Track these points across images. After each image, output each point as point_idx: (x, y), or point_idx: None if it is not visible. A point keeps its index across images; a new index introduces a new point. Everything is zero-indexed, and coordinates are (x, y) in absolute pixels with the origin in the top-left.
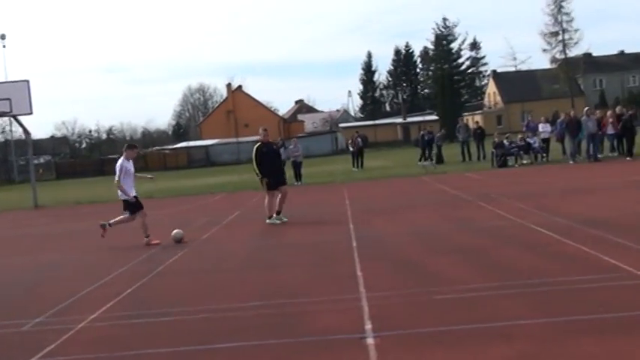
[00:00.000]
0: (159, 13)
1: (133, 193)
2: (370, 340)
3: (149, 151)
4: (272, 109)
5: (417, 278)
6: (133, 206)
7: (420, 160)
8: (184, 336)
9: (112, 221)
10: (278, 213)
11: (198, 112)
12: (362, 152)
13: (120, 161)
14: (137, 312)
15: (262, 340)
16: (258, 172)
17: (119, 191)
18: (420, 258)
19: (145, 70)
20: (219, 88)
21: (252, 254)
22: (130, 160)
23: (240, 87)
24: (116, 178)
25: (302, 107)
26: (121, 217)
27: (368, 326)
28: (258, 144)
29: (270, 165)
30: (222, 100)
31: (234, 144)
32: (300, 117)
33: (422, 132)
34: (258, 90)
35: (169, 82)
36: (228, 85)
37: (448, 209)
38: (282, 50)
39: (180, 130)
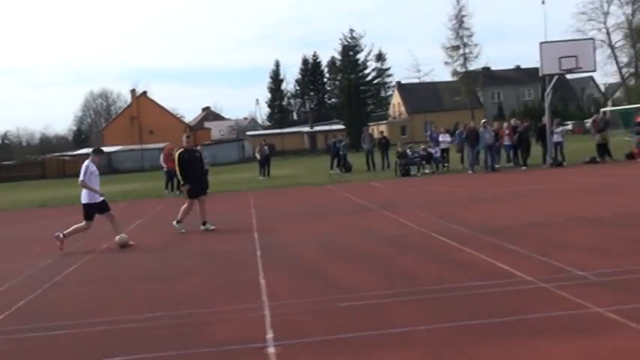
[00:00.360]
0: (60, 14)
1: (100, 199)
2: (271, 349)
3: (47, 157)
4: (178, 116)
5: (320, 286)
6: (93, 212)
7: (332, 168)
8: (81, 350)
9: (65, 232)
10: (204, 223)
11: (100, 118)
12: (269, 160)
13: (86, 162)
14: (30, 325)
15: (162, 352)
16: (181, 178)
17: (82, 193)
18: (323, 266)
19: (44, 73)
20: (122, 94)
21: (153, 264)
22: (95, 165)
23: (144, 93)
24: (80, 177)
25: (209, 114)
26: (75, 226)
27: (269, 335)
28: (180, 150)
29: (192, 172)
30: (126, 106)
31: (138, 151)
32: (207, 124)
33: (333, 139)
34: (164, 96)
35: (70, 86)
36: (133, 91)
37: (352, 217)
38: (190, 57)
39: (81, 136)
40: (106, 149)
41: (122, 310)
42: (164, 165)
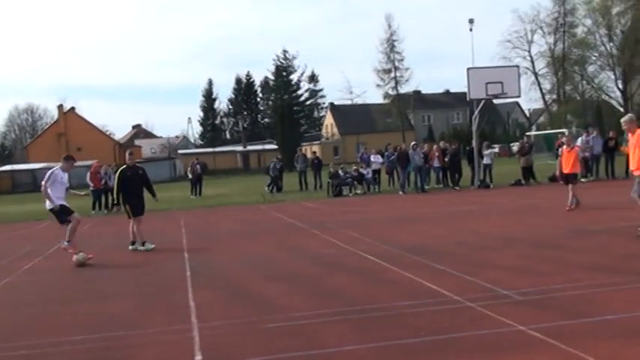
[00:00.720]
0: None
1: (59, 202)
2: None
3: None
4: (107, 132)
5: (250, 306)
6: (62, 214)
7: (269, 187)
8: None
9: (66, 238)
10: (133, 243)
11: (25, 134)
12: (201, 179)
13: (54, 168)
14: None
15: None
16: (116, 198)
17: (47, 200)
18: (253, 286)
19: None
20: (49, 109)
21: (79, 285)
22: (65, 172)
23: (72, 109)
24: (42, 182)
25: (139, 132)
26: (68, 228)
27: (198, 357)
28: (123, 167)
29: (133, 190)
30: (52, 122)
31: None
32: (137, 142)
33: (273, 160)
34: (93, 113)
35: None
36: (60, 107)
37: (283, 237)
38: (121, 73)
39: (4, 152)
40: (31, 166)
41: (46, 332)
42: (91, 184)
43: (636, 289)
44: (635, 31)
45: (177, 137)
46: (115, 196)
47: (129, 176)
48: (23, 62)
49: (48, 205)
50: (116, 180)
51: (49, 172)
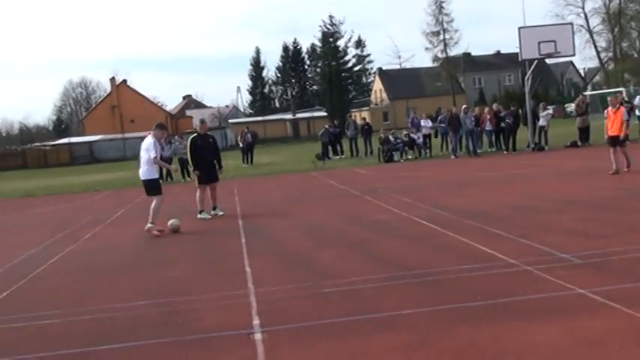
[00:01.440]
0: (38, 3)
1: (155, 175)
2: (258, 336)
3: (28, 147)
4: (159, 104)
5: (305, 272)
6: (157, 187)
7: (326, 155)
8: (69, 338)
9: (150, 219)
10: (214, 208)
11: (80, 107)
12: (252, 148)
13: (150, 139)
14: (17, 315)
15: (150, 340)
16: (191, 163)
17: (145, 171)
18: (307, 252)
19: (23, 62)
20: (102, 83)
21: (138, 252)
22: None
23: (124, 81)
24: (152, 154)
25: (190, 103)
26: (152, 206)
27: (256, 322)
28: (194, 135)
29: (204, 158)
30: (105, 95)
31: (119, 140)
32: (188, 112)
33: (327, 126)
34: (145, 85)
35: (49, 75)
36: (112, 80)
37: (336, 204)
38: (170, 45)
39: (61, 126)
40: (87, 139)
41: (108, 299)
42: None
43: None
44: None
45: (227, 107)
46: (190, 162)
47: (200, 144)
48: (75, 37)
49: (147, 174)
50: (188, 147)
51: (148, 142)
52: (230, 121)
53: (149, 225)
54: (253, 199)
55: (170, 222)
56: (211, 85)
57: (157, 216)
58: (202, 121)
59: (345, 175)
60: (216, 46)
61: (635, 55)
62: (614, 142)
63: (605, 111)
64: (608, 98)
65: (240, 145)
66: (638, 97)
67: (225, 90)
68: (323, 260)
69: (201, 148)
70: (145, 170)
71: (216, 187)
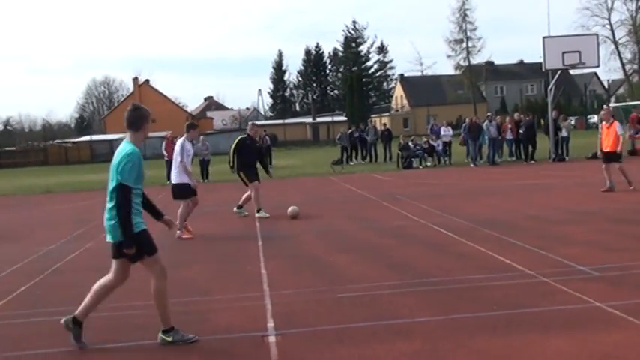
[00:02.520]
0: (66, 1)
1: (185, 180)
2: (272, 338)
3: (50, 144)
4: (180, 104)
5: (321, 276)
6: (183, 192)
7: (349, 159)
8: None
9: (178, 224)
10: (239, 207)
11: (102, 106)
12: (270, 151)
13: (181, 141)
14: (32, 310)
15: None
16: (232, 162)
17: (175, 175)
18: (323, 256)
19: (47, 59)
20: (125, 82)
21: None
22: (190, 142)
23: (147, 81)
24: (179, 159)
25: (211, 104)
26: (179, 212)
27: (270, 324)
28: (243, 136)
29: (250, 159)
30: (128, 94)
31: None
32: (209, 114)
33: (351, 129)
34: (167, 85)
35: (72, 73)
36: (135, 79)
37: (353, 209)
38: (193, 46)
39: (83, 124)
40: (108, 137)
41: (125, 296)
42: (165, 154)
43: None
44: None
45: (247, 109)
46: (230, 160)
47: (247, 144)
48: (100, 35)
49: (179, 178)
50: (233, 146)
51: (179, 145)
52: (250, 123)
53: (177, 232)
54: (270, 202)
55: (290, 209)
56: (233, 87)
57: (184, 221)
58: (253, 124)
59: (363, 180)
60: (238, 49)
61: None
62: (609, 158)
63: (599, 126)
64: (601, 112)
65: None
66: None
67: (247, 92)
68: (339, 265)
69: (248, 148)
70: (175, 174)
71: (258, 187)
